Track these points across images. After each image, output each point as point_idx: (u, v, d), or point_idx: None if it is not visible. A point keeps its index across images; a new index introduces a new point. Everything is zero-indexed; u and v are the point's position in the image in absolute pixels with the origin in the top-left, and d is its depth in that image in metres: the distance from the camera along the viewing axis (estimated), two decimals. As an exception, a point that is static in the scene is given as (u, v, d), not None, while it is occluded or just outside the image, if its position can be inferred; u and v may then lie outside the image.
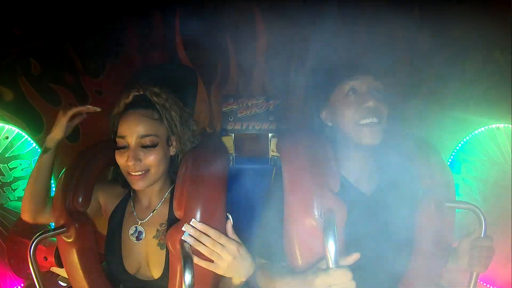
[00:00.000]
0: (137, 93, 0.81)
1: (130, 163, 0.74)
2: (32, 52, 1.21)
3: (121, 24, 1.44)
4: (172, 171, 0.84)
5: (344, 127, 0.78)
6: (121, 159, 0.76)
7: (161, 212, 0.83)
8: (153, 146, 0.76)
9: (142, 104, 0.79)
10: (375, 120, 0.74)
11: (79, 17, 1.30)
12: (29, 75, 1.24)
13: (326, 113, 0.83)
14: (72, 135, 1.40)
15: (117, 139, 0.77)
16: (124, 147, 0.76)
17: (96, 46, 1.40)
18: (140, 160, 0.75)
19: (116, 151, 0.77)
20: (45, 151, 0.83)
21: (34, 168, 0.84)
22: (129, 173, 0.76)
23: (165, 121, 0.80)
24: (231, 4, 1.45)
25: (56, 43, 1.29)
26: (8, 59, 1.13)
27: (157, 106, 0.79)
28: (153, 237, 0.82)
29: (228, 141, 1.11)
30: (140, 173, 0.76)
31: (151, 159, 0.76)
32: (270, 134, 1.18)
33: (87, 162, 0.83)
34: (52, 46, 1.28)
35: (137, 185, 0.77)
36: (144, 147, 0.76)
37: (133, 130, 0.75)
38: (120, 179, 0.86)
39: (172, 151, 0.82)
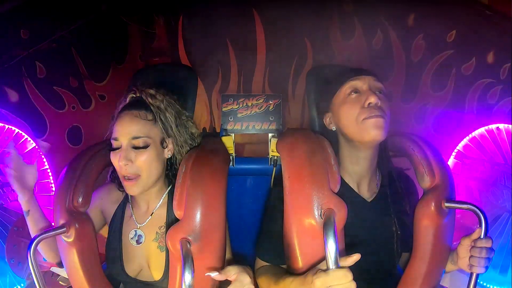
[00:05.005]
0: (134, 95, 0.81)
1: (121, 163, 0.74)
2: (38, 55, 1.23)
3: (125, 29, 1.46)
4: (171, 174, 0.84)
5: (347, 128, 0.77)
6: (115, 160, 0.76)
7: (160, 215, 0.83)
8: (145, 147, 0.76)
9: (136, 105, 0.79)
10: (378, 115, 0.73)
11: (84, 21, 1.32)
12: (34, 78, 1.25)
13: (330, 118, 0.83)
14: (75, 138, 1.41)
15: (112, 141, 0.77)
16: (118, 148, 0.76)
17: (100, 51, 1.41)
18: (131, 161, 0.75)
19: (111, 152, 0.78)
20: (27, 214, 0.81)
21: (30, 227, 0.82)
22: (123, 178, 0.77)
23: (160, 123, 0.79)
24: (231, 5, 1.47)
25: (61, 47, 1.30)
26: (14, 61, 1.14)
27: (151, 107, 0.79)
28: (152, 240, 0.82)
29: (228, 141, 1.11)
30: (132, 178, 0.76)
31: (142, 160, 0.75)
32: (270, 134, 1.18)
33: (87, 162, 0.83)
34: (58, 49, 1.29)
35: (131, 191, 0.77)
36: (136, 148, 0.76)
37: (125, 131, 0.76)
38: (116, 182, 0.86)
39: (167, 153, 0.82)
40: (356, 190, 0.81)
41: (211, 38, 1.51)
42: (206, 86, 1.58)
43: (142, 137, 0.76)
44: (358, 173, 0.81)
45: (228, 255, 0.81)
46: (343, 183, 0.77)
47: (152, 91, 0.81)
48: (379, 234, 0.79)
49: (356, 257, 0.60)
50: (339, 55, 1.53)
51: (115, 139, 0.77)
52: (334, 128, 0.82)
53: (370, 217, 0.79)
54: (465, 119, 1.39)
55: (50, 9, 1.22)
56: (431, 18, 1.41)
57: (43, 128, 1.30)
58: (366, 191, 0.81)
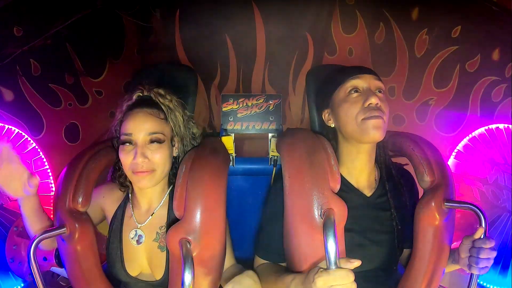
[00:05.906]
0: (141, 94, 0.81)
1: (138, 161, 0.74)
2: (32, 52, 1.20)
3: (121, 23, 1.43)
4: (171, 173, 0.84)
5: (346, 126, 0.77)
6: (127, 158, 0.75)
7: (160, 215, 0.83)
8: (161, 143, 0.77)
9: (147, 104, 0.79)
10: (377, 115, 0.73)
11: (79, 17, 1.29)
12: (29, 76, 1.23)
13: (329, 114, 0.83)
14: (72, 136, 1.40)
15: (123, 137, 0.76)
16: (129, 144, 0.76)
17: (96, 47, 1.39)
18: (147, 157, 0.75)
19: (120, 150, 0.77)
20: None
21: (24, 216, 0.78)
22: (134, 172, 0.76)
23: (170, 122, 0.80)
24: (231, 3, 1.44)
25: (56, 44, 1.28)
26: (7, 60, 1.12)
27: (162, 106, 0.80)
28: (153, 240, 0.82)
29: (228, 141, 1.10)
30: (146, 171, 0.75)
31: (158, 156, 0.76)
32: (270, 134, 1.18)
33: (86, 162, 0.83)
34: (52, 46, 1.27)
35: (142, 183, 0.76)
36: (152, 142, 0.76)
37: (141, 128, 0.75)
38: (118, 181, 0.85)
39: (175, 152, 0.83)
40: (355, 185, 0.81)
41: (209, 32, 1.48)
42: (204, 82, 1.56)
43: (158, 132, 0.77)
44: (357, 168, 0.81)
45: (229, 256, 0.81)
46: (342, 179, 0.77)
47: (161, 91, 0.81)
48: (379, 229, 0.79)
49: (356, 263, 0.60)
50: (340, 49, 1.50)
51: (128, 134, 0.75)
52: (333, 125, 0.82)
53: (370, 212, 0.79)
54: (468, 117, 1.38)
55: (43, 4, 1.19)
56: (435, 12, 1.38)
57: (39, 126, 1.29)
58: (365, 186, 0.82)
